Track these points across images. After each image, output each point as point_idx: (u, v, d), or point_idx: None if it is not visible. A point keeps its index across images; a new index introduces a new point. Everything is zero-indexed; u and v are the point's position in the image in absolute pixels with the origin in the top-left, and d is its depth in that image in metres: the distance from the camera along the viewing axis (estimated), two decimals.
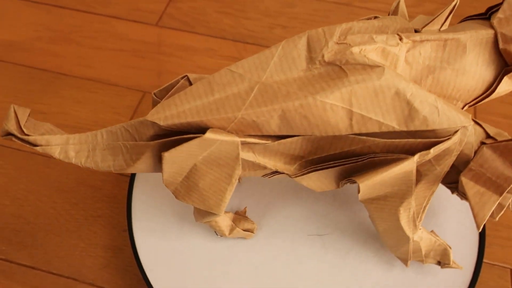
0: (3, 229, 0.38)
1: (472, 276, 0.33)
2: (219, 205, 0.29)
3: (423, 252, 0.31)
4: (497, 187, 0.27)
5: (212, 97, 0.26)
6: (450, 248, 0.32)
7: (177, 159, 0.27)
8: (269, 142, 0.27)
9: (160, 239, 0.35)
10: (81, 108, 0.45)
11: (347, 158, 0.28)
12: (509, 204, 0.28)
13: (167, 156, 0.27)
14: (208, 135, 0.26)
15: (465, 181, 0.27)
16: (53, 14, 0.52)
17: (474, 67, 0.27)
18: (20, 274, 0.36)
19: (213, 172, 0.28)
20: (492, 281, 0.36)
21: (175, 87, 0.30)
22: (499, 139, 0.28)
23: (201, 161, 0.28)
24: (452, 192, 0.31)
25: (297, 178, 0.29)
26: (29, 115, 0.29)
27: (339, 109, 0.25)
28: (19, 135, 0.27)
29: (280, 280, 0.34)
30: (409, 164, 0.26)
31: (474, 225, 0.36)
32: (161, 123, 0.27)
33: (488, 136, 0.28)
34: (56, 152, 0.28)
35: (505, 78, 0.27)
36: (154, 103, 0.31)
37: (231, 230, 0.34)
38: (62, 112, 0.44)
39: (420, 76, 0.26)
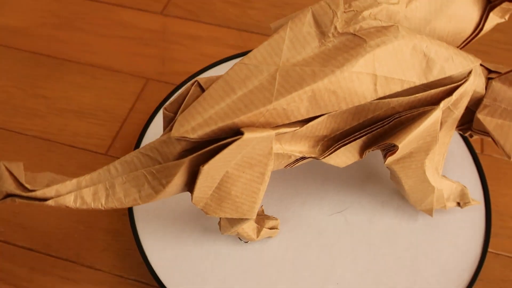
0: (2, 211, 0.38)
1: (480, 258, 0.33)
2: (252, 208, 0.28)
3: (445, 198, 0.33)
4: None
5: (235, 95, 0.25)
6: (465, 187, 0.33)
7: (212, 170, 0.25)
8: (297, 128, 0.26)
9: (160, 222, 0.35)
10: (84, 93, 0.45)
11: (371, 126, 0.27)
12: None
13: (206, 169, 0.25)
14: (247, 135, 0.24)
15: (482, 117, 0.29)
16: (59, 1, 0.52)
17: (463, 10, 0.28)
18: (18, 256, 0.36)
19: (245, 175, 0.27)
20: (497, 270, 0.35)
21: (187, 96, 0.27)
22: (501, 71, 0.29)
23: (233, 167, 0.26)
24: (464, 133, 0.32)
25: (325, 158, 0.28)
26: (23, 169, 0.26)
27: (364, 77, 0.25)
28: (23, 194, 0.24)
29: (318, 267, 0.33)
30: (437, 114, 0.27)
31: (479, 212, 0.35)
32: (191, 135, 0.25)
33: (490, 71, 0.29)
34: (70, 200, 0.25)
35: (491, 15, 0.28)
36: (166, 118, 0.28)
37: (258, 232, 0.33)
38: (65, 97, 0.44)
39: (419, 29, 0.27)
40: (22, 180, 0.24)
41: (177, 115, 0.26)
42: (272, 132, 0.25)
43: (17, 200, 0.24)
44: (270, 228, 0.34)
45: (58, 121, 0.43)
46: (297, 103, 0.25)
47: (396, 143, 0.27)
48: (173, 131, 0.25)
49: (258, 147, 0.26)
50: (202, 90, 0.27)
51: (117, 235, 0.36)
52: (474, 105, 0.29)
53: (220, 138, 0.25)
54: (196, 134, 0.25)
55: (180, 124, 0.25)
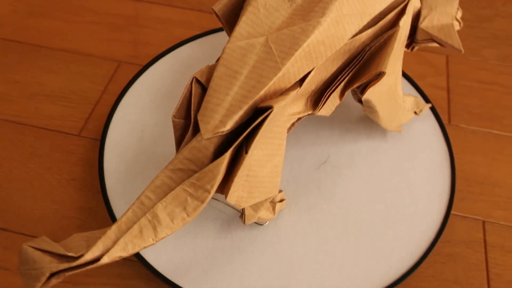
0: None
1: (443, 217, 0.35)
2: (277, 183, 0.27)
3: (408, 110, 0.37)
4: (448, 17, 0.33)
5: (241, 76, 0.25)
6: (416, 97, 0.39)
7: (252, 155, 0.25)
8: (298, 89, 0.27)
9: (135, 195, 0.35)
10: (57, 78, 0.45)
11: (347, 67, 0.29)
12: (460, 23, 0.35)
13: (250, 154, 0.24)
14: (276, 106, 0.24)
15: (425, 27, 0.33)
16: None
17: None
18: None
19: (267, 151, 0.26)
20: (465, 232, 0.36)
21: (192, 96, 0.26)
22: None
23: (257, 147, 0.25)
24: (408, 48, 0.35)
25: (319, 112, 0.29)
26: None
27: (342, 19, 0.26)
28: (72, 265, 0.22)
29: (330, 215, 0.35)
30: (401, 33, 0.29)
31: (444, 175, 0.37)
32: (224, 128, 0.24)
33: None
34: (121, 250, 0.23)
35: None
36: (177, 126, 0.27)
37: (273, 209, 0.33)
38: (37, 82, 0.44)
39: None
40: (62, 251, 0.22)
41: (193, 117, 0.25)
42: (290, 97, 0.25)
43: (67, 274, 0.22)
44: (280, 201, 0.34)
45: (31, 105, 0.43)
46: (298, 63, 0.26)
47: (383, 70, 0.28)
48: (202, 132, 0.24)
49: (276, 118, 0.25)
50: (202, 85, 0.26)
51: (92, 213, 0.36)
52: (415, 19, 0.33)
53: (246, 122, 0.25)
54: (228, 126, 0.24)
55: (206, 123, 0.24)
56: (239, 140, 0.24)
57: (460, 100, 0.44)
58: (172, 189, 0.24)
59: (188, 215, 0.24)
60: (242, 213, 0.30)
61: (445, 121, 0.43)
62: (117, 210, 0.34)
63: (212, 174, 0.24)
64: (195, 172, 0.24)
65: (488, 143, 0.41)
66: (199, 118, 0.25)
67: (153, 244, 0.24)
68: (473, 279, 0.34)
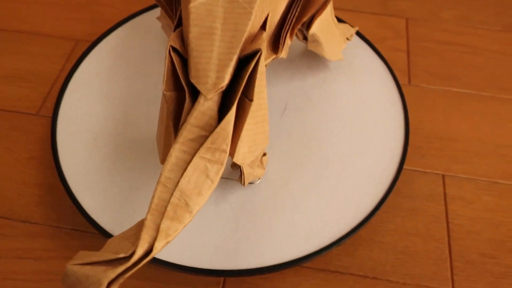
0: None
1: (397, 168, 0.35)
2: (267, 133, 0.27)
3: (342, 34, 0.39)
4: None
5: (218, 30, 0.25)
6: (344, 23, 0.41)
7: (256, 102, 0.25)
8: (264, 32, 0.27)
9: (89, 168, 0.35)
10: (13, 59, 0.44)
11: (293, 5, 0.30)
12: None
13: (255, 102, 0.24)
14: (262, 49, 0.24)
15: None
16: None
17: None
18: None
19: (259, 99, 0.26)
20: (426, 187, 0.36)
21: (176, 65, 0.26)
22: None
23: (255, 93, 0.25)
24: None
25: (282, 54, 0.30)
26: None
27: None
28: (128, 264, 0.21)
29: (306, 157, 0.36)
30: None
31: (399, 131, 0.37)
32: (223, 82, 0.24)
33: None
34: (164, 237, 0.22)
35: None
36: (169, 100, 0.26)
37: (261, 162, 0.32)
38: None
39: None
40: (111, 256, 0.21)
41: (185, 85, 0.25)
42: (264, 40, 0.26)
43: (126, 276, 0.21)
44: (264, 155, 0.33)
45: None
46: (260, 6, 0.26)
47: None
48: (204, 92, 0.24)
49: (261, 62, 0.25)
50: (178, 53, 0.26)
51: (51, 189, 0.36)
52: None
53: (237, 71, 0.25)
54: (226, 79, 0.24)
55: (204, 83, 0.24)
56: (240, 90, 0.24)
57: (420, 61, 0.44)
58: (189, 162, 0.24)
59: (212, 181, 0.24)
60: (240, 175, 0.30)
61: (405, 82, 0.43)
62: (74, 186, 0.34)
63: (225, 132, 0.24)
64: (206, 137, 0.24)
65: (448, 101, 0.42)
66: (194, 81, 0.24)
67: (191, 220, 0.23)
68: (434, 231, 0.34)
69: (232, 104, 0.24)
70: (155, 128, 0.37)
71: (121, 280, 0.21)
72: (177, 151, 0.24)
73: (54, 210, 0.35)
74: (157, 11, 0.45)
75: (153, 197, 0.23)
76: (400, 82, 0.43)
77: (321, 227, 0.32)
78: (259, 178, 0.34)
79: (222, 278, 0.32)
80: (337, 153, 0.35)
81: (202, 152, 0.24)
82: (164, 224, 0.22)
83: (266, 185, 0.34)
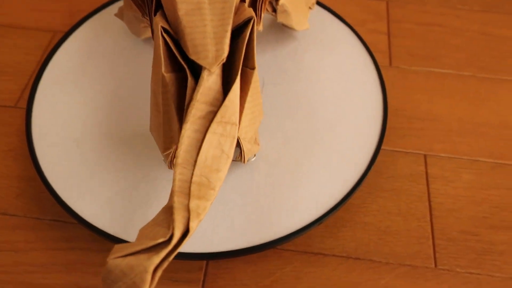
0: None
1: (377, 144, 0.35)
2: (261, 104, 0.28)
3: (305, 3, 0.38)
4: None
5: (205, 3, 0.25)
6: None
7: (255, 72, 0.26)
8: (245, 3, 0.27)
9: (65, 159, 0.34)
10: None
11: None
12: None
13: (256, 71, 0.25)
14: (253, 14, 0.25)
15: None
16: None
17: None
18: None
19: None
20: (408, 167, 0.36)
21: (171, 45, 0.25)
22: None
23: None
24: None
25: (260, 26, 0.30)
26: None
27: None
28: (169, 248, 0.21)
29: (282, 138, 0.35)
30: None
31: (377, 111, 0.37)
32: (224, 54, 0.24)
33: None
34: (196, 216, 0.22)
35: None
36: (171, 81, 0.26)
37: (256, 139, 0.32)
38: None
39: None
40: (150, 243, 0.21)
41: (185, 64, 0.25)
42: (249, 9, 0.26)
43: (169, 260, 0.21)
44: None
45: None
46: None
47: None
48: (207, 66, 0.24)
49: (254, 30, 0.26)
50: (169, 34, 0.26)
51: (30, 181, 0.35)
52: None
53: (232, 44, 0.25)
54: (226, 50, 0.24)
55: (205, 57, 0.24)
56: (241, 59, 0.24)
57: (401, 43, 0.44)
58: (202, 140, 0.23)
59: (228, 155, 0.24)
60: (240, 152, 0.30)
61: (386, 64, 0.43)
62: (51, 176, 0.34)
63: (234, 105, 0.24)
64: (215, 113, 0.24)
65: (429, 82, 0.42)
66: (194, 58, 0.24)
67: (215, 196, 0.23)
68: (416, 210, 0.34)
69: (236, 75, 0.24)
70: (128, 112, 0.37)
71: (165, 265, 0.21)
72: (189, 131, 0.24)
73: (34, 202, 0.35)
74: None
75: (174, 180, 0.23)
76: (381, 64, 0.43)
77: (300, 208, 0.32)
78: (254, 155, 0.34)
79: (204, 263, 0.32)
80: (319, 132, 0.35)
81: (213, 128, 0.24)
82: (193, 204, 0.22)
83: (253, 164, 0.34)
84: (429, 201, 0.35)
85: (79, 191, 0.33)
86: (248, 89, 0.25)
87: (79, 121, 0.36)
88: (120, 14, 0.39)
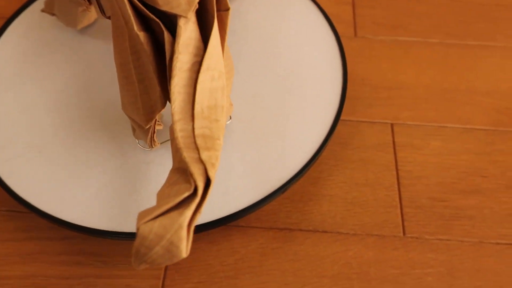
0: None
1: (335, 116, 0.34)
2: (232, 58, 0.28)
3: None
4: None
5: None
6: None
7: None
8: None
9: (14, 150, 0.33)
10: None
11: None
12: None
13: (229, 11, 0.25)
14: None
15: None
16: None
17: None
18: None
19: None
20: (375, 136, 0.36)
21: (133, 3, 0.24)
22: None
23: None
24: None
25: None
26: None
27: None
28: (197, 200, 0.20)
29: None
30: None
31: (336, 82, 0.36)
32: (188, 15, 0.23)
33: None
34: (211, 165, 0.22)
35: None
36: (145, 40, 0.25)
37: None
38: None
39: None
40: (176, 198, 0.20)
41: (157, 18, 0.24)
42: None
43: (199, 212, 0.20)
44: None
45: None
46: None
47: None
48: (183, 13, 0.23)
49: None
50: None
51: None
52: None
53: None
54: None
55: (178, 5, 0.23)
56: (214, 1, 0.23)
57: (365, 13, 0.43)
58: (193, 93, 0.23)
59: (222, 105, 0.23)
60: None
61: (351, 34, 0.42)
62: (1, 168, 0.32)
63: (217, 51, 0.23)
64: (199, 62, 0.23)
65: (394, 50, 0.41)
66: (167, 8, 0.23)
67: (221, 146, 0.23)
68: (384, 179, 0.34)
69: (212, 19, 0.23)
70: (82, 109, 0.35)
71: (197, 218, 0.20)
72: (177, 87, 0.23)
73: None
74: None
75: (176, 138, 0.22)
76: (346, 34, 0.42)
77: (261, 180, 0.31)
78: (230, 117, 0.33)
79: None
80: (276, 103, 0.34)
81: (201, 78, 0.23)
82: (204, 155, 0.22)
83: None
84: (397, 169, 0.34)
85: (30, 182, 0.31)
86: (225, 33, 0.24)
87: (35, 127, 0.34)
88: (48, 8, 0.36)
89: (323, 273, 0.30)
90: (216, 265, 0.30)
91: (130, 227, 0.29)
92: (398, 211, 0.32)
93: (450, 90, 0.38)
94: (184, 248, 0.20)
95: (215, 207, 0.29)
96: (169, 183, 0.22)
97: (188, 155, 0.22)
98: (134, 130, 0.31)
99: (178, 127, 0.22)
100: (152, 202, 0.30)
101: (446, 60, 0.40)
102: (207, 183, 0.21)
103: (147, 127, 0.27)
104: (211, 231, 0.31)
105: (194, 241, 0.31)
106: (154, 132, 0.29)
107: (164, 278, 0.30)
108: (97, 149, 0.32)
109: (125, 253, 0.30)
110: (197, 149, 0.22)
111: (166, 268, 0.30)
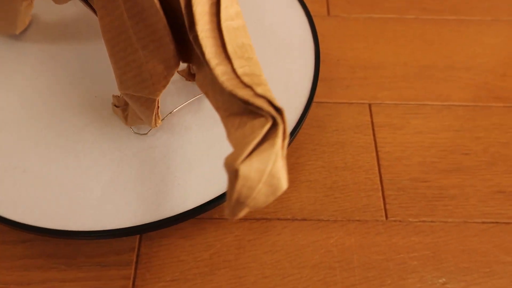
0: None
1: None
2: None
3: None
4: None
5: None
6: None
7: None
8: None
9: None
10: None
11: None
12: None
13: None
14: None
15: None
16: None
17: None
18: None
19: None
20: (352, 118, 0.34)
21: None
22: None
23: None
24: None
25: None
26: None
27: None
28: (281, 127, 0.19)
29: None
30: None
31: (309, 61, 0.34)
32: None
33: None
34: (275, 100, 0.21)
35: None
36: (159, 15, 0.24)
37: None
38: None
39: None
40: (259, 132, 0.19)
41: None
42: None
43: (287, 135, 0.19)
44: None
45: None
46: None
47: None
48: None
49: None
50: None
51: None
52: None
53: None
54: None
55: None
56: None
57: None
58: (221, 37, 0.22)
59: (249, 44, 0.23)
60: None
61: (324, 13, 0.40)
62: None
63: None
64: (216, 3, 0.22)
65: (370, 28, 0.39)
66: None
67: (265, 78, 0.22)
68: (363, 162, 0.32)
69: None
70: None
71: (286, 144, 0.19)
72: (204, 32, 0.22)
73: None
74: None
75: (222, 82, 0.21)
76: (319, 14, 0.40)
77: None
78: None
79: (136, 243, 0.29)
80: None
81: (224, 18, 0.22)
82: (259, 89, 0.21)
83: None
84: (376, 151, 0.33)
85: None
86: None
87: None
88: None
89: (304, 264, 0.28)
90: (190, 261, 0.28)
91: (84, 226, 0.27)
92: (380, 194, 0.31)
93: (428, 67, 0.37)
94: (285, 178, 0.19)
95: (186, 198, 0.28)
96: (234, 127, 0.21)
97: (244, 93, 0.21)
98: (126, 117, 0.29)
99: (219, 72, 0.21)
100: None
101: (423, 36, 0.39)
102: (278, 111, 0.20)
103: (157, 98, 0.25)
104: (183, 225, 0.29)
105: (165, 236, 0.29)
106: (158, 106, 0.27)
107: (134, 278, 0.28)
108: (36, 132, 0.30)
109: (89, 254, 0.28)
110: (249, 86, 0.21)
111: (136, 267, 0.28)
